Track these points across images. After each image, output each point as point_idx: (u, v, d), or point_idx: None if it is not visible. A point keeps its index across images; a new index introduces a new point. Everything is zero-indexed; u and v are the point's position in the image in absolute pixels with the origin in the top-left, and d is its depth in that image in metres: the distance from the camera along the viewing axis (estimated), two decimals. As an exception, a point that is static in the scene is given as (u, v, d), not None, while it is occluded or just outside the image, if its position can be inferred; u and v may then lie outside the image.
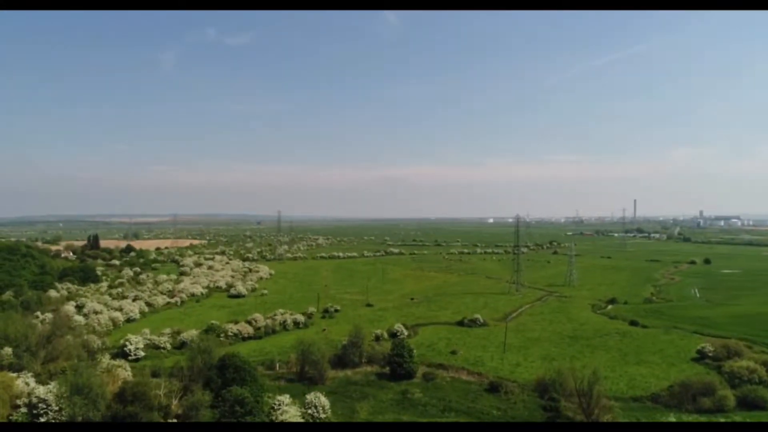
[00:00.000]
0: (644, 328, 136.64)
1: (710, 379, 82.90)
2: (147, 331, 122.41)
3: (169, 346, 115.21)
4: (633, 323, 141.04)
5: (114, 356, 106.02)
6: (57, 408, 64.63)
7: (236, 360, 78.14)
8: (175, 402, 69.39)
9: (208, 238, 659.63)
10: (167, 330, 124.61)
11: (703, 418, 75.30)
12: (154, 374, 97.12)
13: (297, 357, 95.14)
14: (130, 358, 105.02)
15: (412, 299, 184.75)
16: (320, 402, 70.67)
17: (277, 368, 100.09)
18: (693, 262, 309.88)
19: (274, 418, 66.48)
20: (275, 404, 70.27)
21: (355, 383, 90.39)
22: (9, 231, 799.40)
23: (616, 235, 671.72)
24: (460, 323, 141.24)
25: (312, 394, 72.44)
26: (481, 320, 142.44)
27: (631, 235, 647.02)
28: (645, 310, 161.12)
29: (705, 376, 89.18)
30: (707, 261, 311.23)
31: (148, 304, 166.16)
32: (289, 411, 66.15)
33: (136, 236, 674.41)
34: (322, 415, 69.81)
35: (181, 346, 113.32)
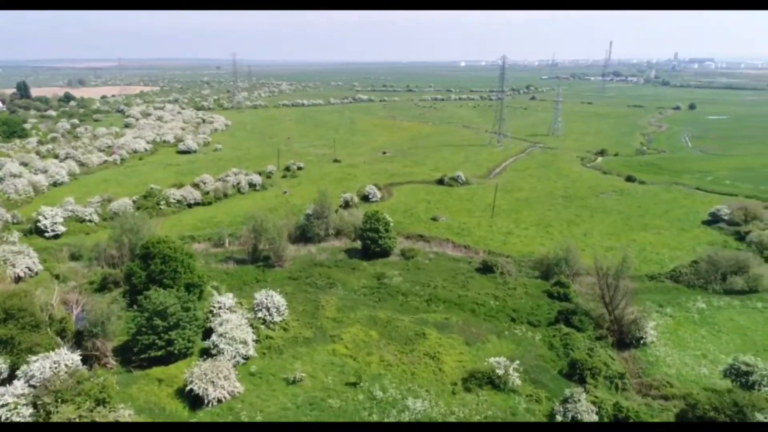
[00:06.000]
0: (642, 185, 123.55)
1: (744, 255, 69.15)
2: (71, 199, 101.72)
3: (96, 217, 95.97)
4: (629, 179, 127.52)
5: (27, 233, 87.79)
6: None
7: (163, 247, 59.91)
8: (73, 313, 52.05)
9: (161, 84, 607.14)
10: (96, 198, 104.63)
11: (736, 302, 63.36)
12: (73, 257, 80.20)
13: (249, 233, 77.75)
14: (46, 235, 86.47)
15: (384, 153, 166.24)
16: (273, 302, 54.59)
17: (227, 245, 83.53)
18: (678, 108, 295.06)
19: (211, 326, 50.73)
20: (213, 306, 54.28)
21: (320, 264, 74.57)
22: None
23: (592, 79, 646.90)
24: (440, 182, 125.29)
25: (263, 291, 56.05)
26: (463, 178, 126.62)
27: (608, 78, 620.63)
28: (639, 163, 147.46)
29: (732, 248, 76.63)
30: (692, 106, 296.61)
31: (80, 163, 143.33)
32: (231, 319, 49.87)
33: (82, 83, 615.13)
34: (277, 319, 54.26)
35: (113, 216, 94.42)
